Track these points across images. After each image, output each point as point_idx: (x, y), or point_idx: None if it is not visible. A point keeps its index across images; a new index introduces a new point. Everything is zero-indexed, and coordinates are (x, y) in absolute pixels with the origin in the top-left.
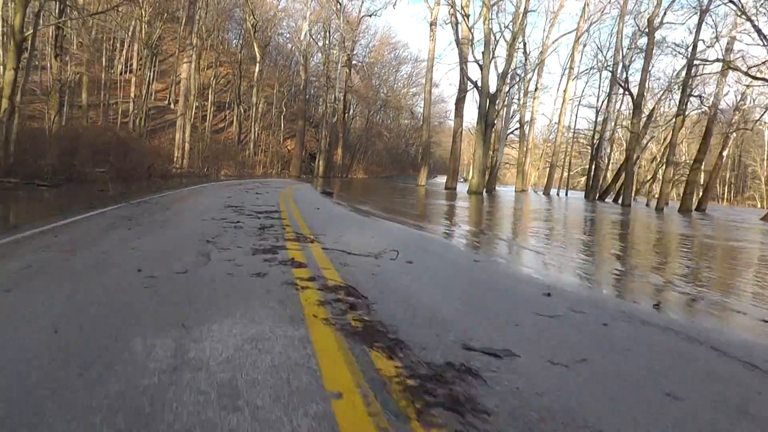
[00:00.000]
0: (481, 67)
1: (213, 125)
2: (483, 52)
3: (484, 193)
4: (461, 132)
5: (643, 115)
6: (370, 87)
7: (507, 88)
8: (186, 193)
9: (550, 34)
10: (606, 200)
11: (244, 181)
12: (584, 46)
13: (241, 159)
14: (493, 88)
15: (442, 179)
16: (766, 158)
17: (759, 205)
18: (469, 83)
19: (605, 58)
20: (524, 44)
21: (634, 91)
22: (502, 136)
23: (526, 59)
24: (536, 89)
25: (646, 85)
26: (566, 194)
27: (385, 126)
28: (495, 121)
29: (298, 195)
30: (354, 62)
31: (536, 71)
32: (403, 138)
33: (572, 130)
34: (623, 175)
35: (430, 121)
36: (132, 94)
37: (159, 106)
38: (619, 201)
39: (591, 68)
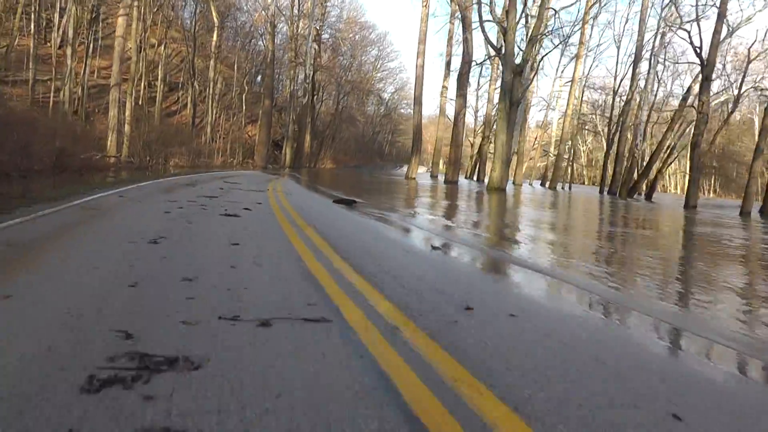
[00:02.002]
0: (504, 30)
1: (165, 108)
2: (507, 11)
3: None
4: (464, 114)
5: (719, 92)
6: (339, 66)
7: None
8: (67, 221)
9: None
10: (635, 197)
11: (199, 176)
12: (594, 18)
13: (196, 146)
14: (518, 58)
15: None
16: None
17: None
18: (488, 51)
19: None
20: (526, 16)
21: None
22: (519, 119)
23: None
24: (532, 69)
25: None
26: (570, 188)
27: (353, 112)
28: (521, 99)
29: (307, 212)
30: (324, 36)
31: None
32: (370, 125)
33: (579, 115)
34: (653, 167)
35: (422, 101)
36: (68, 68)
37: (102, 84)
38: (652, 198)
39: (600, 43)
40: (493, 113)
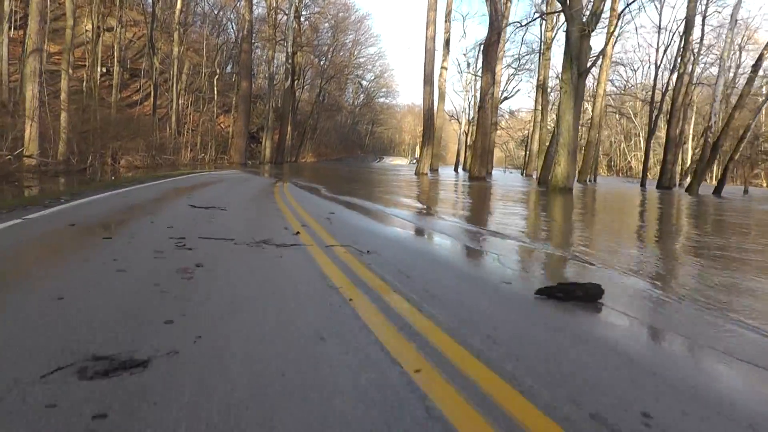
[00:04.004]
0: None
1: (125, 98)
2: None
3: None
4: (492, 95)
5: None
6: (322, 46)
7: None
8: None
9: None
10: (690, 191)
11: (150, 187)
12: None
13: (159, 140)
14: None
15: (396, 160)
16: None
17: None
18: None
19: None
20: None
21: None
22: (579, 93)
23: None
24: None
25: None
26: (594, 180)
27: (335, 99)
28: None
29: None
30: (304, 14)
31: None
32: (350, 115)
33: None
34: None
35: (433, 80)
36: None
37: (52, 70)
38: (722, 193)
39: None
40: (500, 95)
